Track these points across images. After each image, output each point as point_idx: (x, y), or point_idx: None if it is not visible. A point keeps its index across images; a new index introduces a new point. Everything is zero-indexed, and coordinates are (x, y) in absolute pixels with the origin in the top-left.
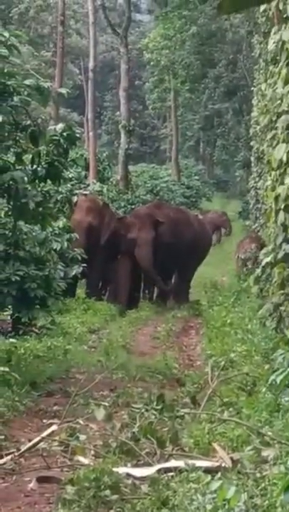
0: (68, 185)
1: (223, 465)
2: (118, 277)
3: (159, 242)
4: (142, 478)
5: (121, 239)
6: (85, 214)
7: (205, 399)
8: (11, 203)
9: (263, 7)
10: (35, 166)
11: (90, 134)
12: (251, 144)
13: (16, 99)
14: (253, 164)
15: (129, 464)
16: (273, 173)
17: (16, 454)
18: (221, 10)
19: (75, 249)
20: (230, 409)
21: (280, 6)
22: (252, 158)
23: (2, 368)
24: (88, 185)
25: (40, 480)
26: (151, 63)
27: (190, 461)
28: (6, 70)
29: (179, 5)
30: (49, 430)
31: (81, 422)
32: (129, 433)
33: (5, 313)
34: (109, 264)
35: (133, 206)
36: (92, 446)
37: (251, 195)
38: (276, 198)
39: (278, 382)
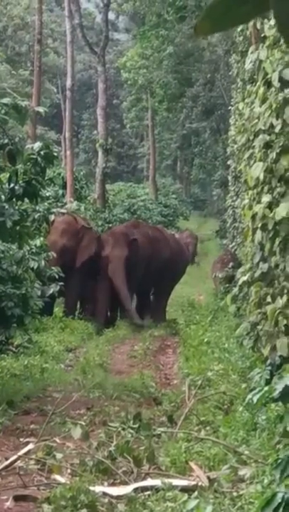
0: (46, 203)
1: (199, 484)
2: (96, 296)
3: (135, 261)
4: (119, 497)
5: (98, 258)
6: (60, 235)
7: (182, 418)
8: None
9: (240, 26)
10: (12, 185)
11: (68, 152)
12: (228, 162)
13: None
14: (230, 183)
15: (106, 482)
16: (250, 191)
17: None
18: (198, 32)
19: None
20: (207, 428)
21: (258, 26)
22: (229, 177)
23: None
24: (65, 203)
25: (17, 498)
26: (129, 82)
27: (167, 480)
28: None
29: (156, 24)
30: (26, 449)
31: (58, 440)
32: (105, 452)
33: None
34: (87, 283)
35: (110, 225)
36: (69, 465)
37: (228, 213)
38: (253, 217)
39: (255, 401)
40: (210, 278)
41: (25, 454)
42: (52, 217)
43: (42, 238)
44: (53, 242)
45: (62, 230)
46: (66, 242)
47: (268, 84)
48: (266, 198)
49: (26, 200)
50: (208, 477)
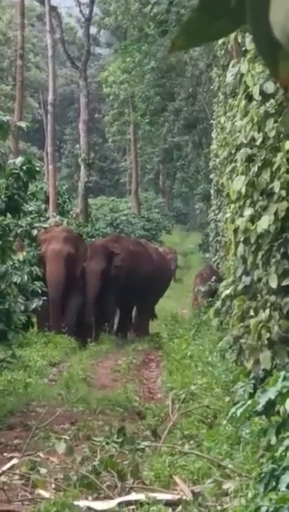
0: (28, 218)
1: (183, 498)
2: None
3: (115, 275)
4: None
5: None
6: (63, 243)
7: (166, 432)
8: None
9: (221, 40)
10: None
11: (50, 167)
12: (211, 176)
13: None
14: (212, 197)
15: (90, 497)
16: (232, 205)
17: None
18: (175, 45)
19: (53, 278)
20: (191, 441)
21: (239, 39)
22: (211, 191)
23: None
24: (48, 218)
25: None
26: (111, 96)
27: (151, 494)
28: None
29: (138, 38)
30: (10, 464)
31: (42, 455)
32: (89, 466)
33: None
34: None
35: (93, 239)
36: (53, 480)
37: (211, 227)
38: (235, 231)
39: (239, 414)
40: (192, 292)
41: (9, 469)
42: (34, 232)
43: (25, 253)
44: (58, 250)
45: (65, 237)
46: (70, 249)
47: (250, 97)
48: (248, 212)
49: (9, 215)
50: (192, 491)
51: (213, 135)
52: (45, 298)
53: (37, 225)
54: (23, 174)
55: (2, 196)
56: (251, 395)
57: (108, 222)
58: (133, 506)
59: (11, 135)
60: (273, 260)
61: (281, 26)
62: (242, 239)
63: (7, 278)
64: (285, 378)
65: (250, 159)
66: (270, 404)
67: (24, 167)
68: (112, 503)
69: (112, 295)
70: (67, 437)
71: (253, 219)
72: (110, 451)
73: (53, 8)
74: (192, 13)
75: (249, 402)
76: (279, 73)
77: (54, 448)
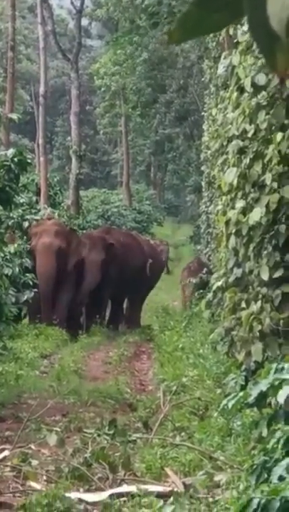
0: (19, 210)
1: (175, 490)
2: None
3: (109, 266)
4: (94, 504)
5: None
6: (54, 237)
7: (157, 424)
8: None
9: None
10: None
11: (41, 159)
12: (202, 168)
13: None
14: (204, 189)
15: (82, 489)
16: (224, 197)
17: None
18: (172, 39)
19: (43, 272)
20: (183, 433)
21: (230, 31)
22: (203, 183)
23: None
24: (39, 210)
25: None
26: (102, 88)
27: (142, 486)
28: None
29: (129, 30)
30: (1, 455)
31: (33, 447)
32: (81, 458)
33: None
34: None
35: (84, 231)
36: (45, 472)
37: (202, 219)
38: (227, 223)
39: (230, 406)
40: (181, 285)
41: (1, 460)
42: (26, 224)
43: (16, 245)
44: (48, 244)
45: (56, 231)
46: (61, 243)
47: (241, 89)
48: (240, 204)
49: (0, 206)
50: (184, 483)
51: (205, 127)
52: (36, 290)
53: (28, 217)
54: (15, 166)
55: None
56: (243, 387)
57: (99, 214)
58: (124, 498)
59: (2, 127)
60: (265, 252)
61: (278, 17)
62: (233, 231)
63: None
64: (276, 370)
65: (241, 151)
66: (262, 397)
67: (15, 159)
68: (103, 495)
69: (108, 288)
70: (59, 429)
71: (245, 211)
72: (102, 443)
73: (44, 0)
74: (189, 6)
75: (241, 394)
76: (276, 65)
77: (45, 440)
